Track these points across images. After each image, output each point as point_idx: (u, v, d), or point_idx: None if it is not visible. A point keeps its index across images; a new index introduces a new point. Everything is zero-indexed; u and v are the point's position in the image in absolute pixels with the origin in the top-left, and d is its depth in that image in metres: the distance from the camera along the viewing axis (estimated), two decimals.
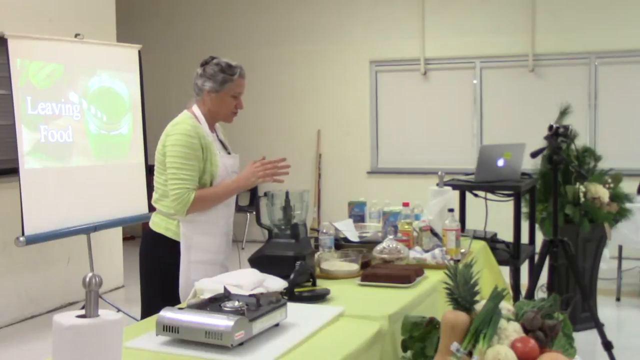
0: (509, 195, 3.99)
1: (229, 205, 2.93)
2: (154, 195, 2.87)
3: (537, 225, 4.51)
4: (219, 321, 1.80)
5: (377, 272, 2.61)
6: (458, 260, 2.88)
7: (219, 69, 2.81)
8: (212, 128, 2.90)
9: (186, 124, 2.76)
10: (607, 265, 5.04)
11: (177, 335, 1.85)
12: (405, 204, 3.22)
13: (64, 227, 4.88)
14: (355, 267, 2.77)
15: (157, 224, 2.86)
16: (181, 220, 2.79)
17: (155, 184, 2.86)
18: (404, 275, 2.56)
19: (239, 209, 4.92)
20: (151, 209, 5.94)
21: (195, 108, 2.86)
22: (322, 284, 2.53)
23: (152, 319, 2.06)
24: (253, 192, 7.63)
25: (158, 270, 2.85)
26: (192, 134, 2.74)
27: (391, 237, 2.88)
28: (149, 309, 2.69)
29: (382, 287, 2.53)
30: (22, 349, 4.69)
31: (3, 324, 5.14)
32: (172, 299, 2.39)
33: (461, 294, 1.93)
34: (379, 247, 2.84)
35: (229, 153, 2.96)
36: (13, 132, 4.66)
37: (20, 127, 4.69)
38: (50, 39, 5.03)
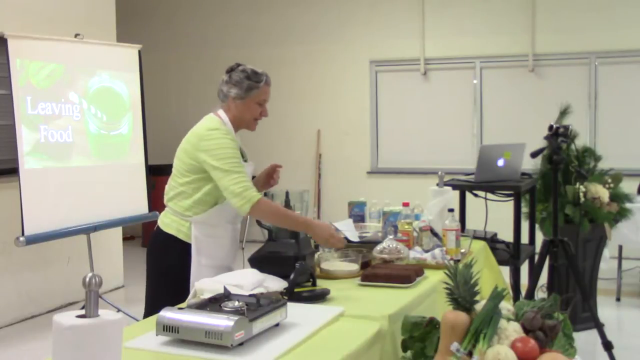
0: (509, 195, 3.99)
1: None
2: (169, 193, 2.86)
3: (537, 225, 4.51)
4: (219, 321, 1.80)
5: (377, 272, 2.61)
6: (458, 260, 2.88)
7: (244, 76, 2.81)
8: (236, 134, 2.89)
9: (224, 129, 2.76)
10: (607, 265, 5.03)
11: (177, 335, 1.85)
12: (405, 204, 3.22)
13: (64, 227, 4.88)
14: (355, 267, 2.77)
15: (168, 225, 2.84)
16: (193, 223, 2.78)
17: (172, 182, 2.84)
18: (404, 275, 2.56)
19: None
20: (151, 208, 5.97)
21: (222, 113, 2.85)
22: (322, 284, 2.53)
23: (152, 319, 2.06)
24: None
25: (166, 270, 2.85)
26: (233, 138, 2.75)
27: (391, 237, 2.88)
28: (153, 308, 2.69)
29: (382, 287, 2.53)
30: (22, 349, 4.69)
31: (3, 324, 5.14)
32: (179, 300, 2.39)
33: (461, 294, 1.93)
34: (379, 247, 2.84)
35: (245, 160, 2.95)
36: (13, 132, 4.66)
37: (20, 127, 4.69)
38: (50, 39, 5.02)
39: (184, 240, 2.80)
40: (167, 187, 2.90)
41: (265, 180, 3.07)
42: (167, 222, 2.86)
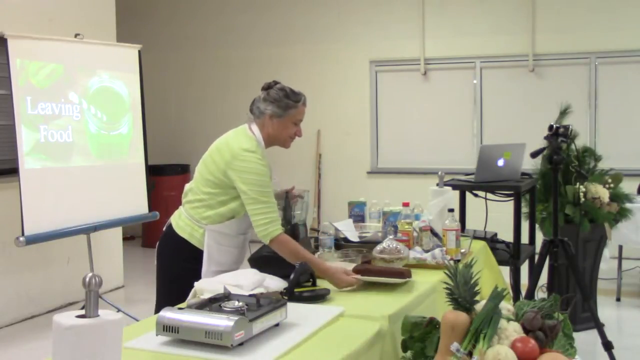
0: (509, 195, 3.99)
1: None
2: (188, 195, 2.85)
3: (537, 225, 4.51)
4: (219, 321, 1.80)
5: (371, 268, 2.62)
6: (458, 260, 2.88)
7: (283, 95, 2.79)
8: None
9: (259, 153, 2.74)
10: (607, 265, 5.03)
11: (177, 335, 1.85)
12: (405, 204, 3.22)
13: (64, 227, 4.88)
14: None
15: (182, 228, 2.84)
16: (207, 231, 2.78)
17: (194, 186, 2.83)
18: (399, 271, 2.57)
19: None
20: (151, 208, 5.96)
21: (256, 129, 2.83)
22: (322, 284, 2.53)
23: (152, 319, 2.06)
24: None
25: (176, 273, 2.85)
26: (266, 164, 2.74)
27: (391, 237, 2.88)
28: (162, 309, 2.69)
29: (379, 290, 2.53)
30: (22, 349, 4.69)
31: (3, 324, 5.14)
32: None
33: (461, 294, 1.93)
34: (379, 247, 2.84)
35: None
36: (13, 132, 4.65)
37: (20, 127, 4.69)
38: (50, 39, 5.02)
39: (196, 245, 2.81)
40: (187, 187, 2.89)
41: None
42: (182, 225, 2.85)
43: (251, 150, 2.72)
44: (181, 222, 2.86)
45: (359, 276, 2.55)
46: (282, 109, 2.79)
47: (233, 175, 2.69)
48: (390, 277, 2.54)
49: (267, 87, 2.82)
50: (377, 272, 2.58)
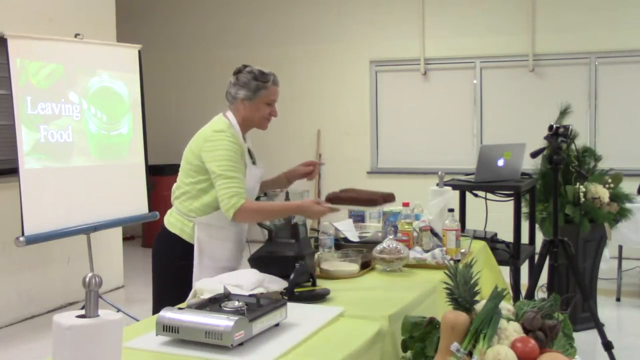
0: (509, 195, 3.99)
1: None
2: (175, 192, 2.88)
3: (537, 225, 4.51)
4: (219, 321, 1.80)
5: (341, 196, 2.64)
6: (458, 260, 2.88)
7: (252, 77, 2.81)
8: (244, 137, 2.89)
9: (229, 132, 2.76)
10: (607, 265, 5.03)
11: (177, 335, 1.85)
12: (405, 204, 3.22)
13: (64, 227, 4.88)
14: (355, 267, 2.77)
15: (173, 224, 2.86)
16: (197, 224, 2.79)
17: (178, 182, 2.86)
18: (369, 198, 2.58)
19: None
20: (151, 208, 5.97)
21: (230, 115, 2.85)
22: (322, 284, 2.53)
23: (152, 319, 2.06)
24: None
25: (170, 270, 2.85)
26: (236, 142, 2.74)
27: (391, 237, 2.88)
28: (158, 309, 2.69)
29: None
30: (22, 349, 4.69)
31: (3, 324, 5.14)
32: (182, 301, 2.39)
33: (461, 294, 1.93)
34: (379, 247, 2.84)
35: (254, 163, 2.95)
36: (13, 132, 4.66)
37: (20, 127, 4.69)
38: (50, 39, 5.02)
39: (187, 240, 2.81)
40: (174, 185, 2.91)
41: (302, 176, 3.12)
42: (172, 221, 2.87)
43: (221, 130, 2.75)
44: (172, 218, 2.87)
45: (330, 204, 2.61)
46: (252, 91, 2.81)
47: (205, 157, 2.73)
48: (361, 205, 2.55)
49: (237, 72, 2.85)
50: (348, 200, 2.61)
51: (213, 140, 2.73)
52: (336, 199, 2.61)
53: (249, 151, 2.93)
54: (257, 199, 2.92)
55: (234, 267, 2.87)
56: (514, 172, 4.04)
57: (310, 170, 3.13)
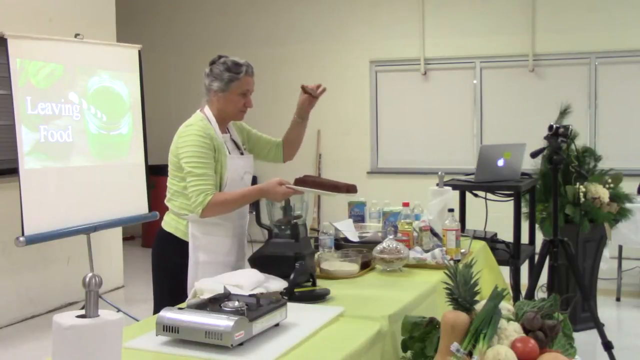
0: (509, 195, 3.99)
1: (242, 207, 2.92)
2: (167, 194, 2.88)
3: (537, 225, 4.51)
4: (219, 321, 1.80)
5: (306, 179, 2.66)
6: (458, 260, 2.88)
7: (224, 68, 2.78)
8: (223, 128, 2.87)
9: (197, 125, 2.75)
10: (607, 265, 5.04)
11: (177, 335, 1.85)
12: (405, 204, 3.22)
13: (64, 227, 4.88)
14: (355, 267, 2.77)
15: (168, 223, 2.87)
16: (190, 221, 2.79)
17: (168, 182, 2.87)
18: (334, 185, 2.62)
19: None
20: (151, 208, 5.97)
21: (207, 109, 2.84)
22: (322, 284, 2.53)
23: (152, 319, 2.06)
24: None
25: (167, 269, 2.86)
26: (204, 135, 2.73)
27: (391, 237, 2.87)
28: (158, 308, 2.69)
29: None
30: (22, 349, 4.69)
31: (3, 324, 5.14)
32: (181, 299, 2.39)
33: (461, 294, 1.93)
34: (379, 247, 2.84)
35: (241, 153, 2.94)
36: (13, 132, 4.65)
37: (20, 127, 4.68)
38: (50, 39, 5.02)
39: (182, 238, 2.81)
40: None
41: (308, 102, 3.12)
42: (167, 220, 2.88)
43: (189, 125, 2.76)
44: (167, 218, 2.89)
45: (294, 186, 2.62)
46: (224, 82, 2.78)
47: (178, 154, 2.74)
48: (325, 189, 2.57)
49: (212, 62, 2.83)
50: (312, 184, 2.63)
51: (183, 136, 2.75)
52: (301, 181, 2.62)
53: (234, 142, 2.92)
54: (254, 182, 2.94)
55: (233, 262, 2.88)
56: (514, 172, 4.04)
57: (311, 94, 3.08)
